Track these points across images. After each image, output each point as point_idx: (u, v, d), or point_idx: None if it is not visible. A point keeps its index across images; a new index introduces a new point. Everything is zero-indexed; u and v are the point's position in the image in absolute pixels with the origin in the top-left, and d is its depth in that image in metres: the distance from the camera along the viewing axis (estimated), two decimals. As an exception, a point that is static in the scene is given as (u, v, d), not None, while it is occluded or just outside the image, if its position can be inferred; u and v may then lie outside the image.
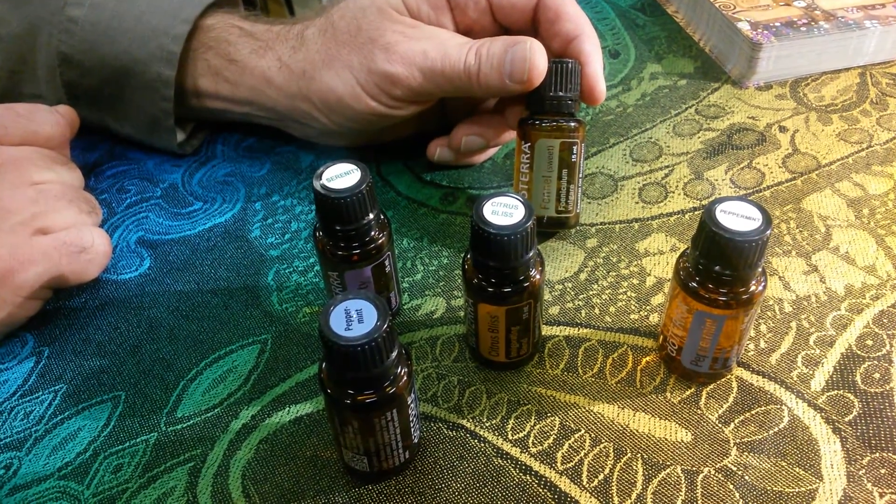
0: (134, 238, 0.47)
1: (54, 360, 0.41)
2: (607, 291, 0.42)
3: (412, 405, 0.33)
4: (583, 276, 0.43)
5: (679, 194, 0.47)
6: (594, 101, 0.43)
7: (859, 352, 0.38)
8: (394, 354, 0.30)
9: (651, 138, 0.51)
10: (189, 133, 0.53)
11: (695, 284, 0.34)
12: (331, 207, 0.35)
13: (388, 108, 0.44)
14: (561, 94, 0.42)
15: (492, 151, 0.51)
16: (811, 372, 0.37)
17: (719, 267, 0.33)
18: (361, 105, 0.44)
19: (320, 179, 0.35)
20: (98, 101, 0.51)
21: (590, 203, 0.47)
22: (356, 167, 0.36)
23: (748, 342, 0.39)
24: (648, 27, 0.62)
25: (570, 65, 0.42)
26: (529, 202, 0.34)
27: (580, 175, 0.43)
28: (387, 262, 0.38)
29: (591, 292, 0.42)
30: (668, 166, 0.49)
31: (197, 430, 0.37)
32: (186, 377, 0.39)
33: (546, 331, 0.40)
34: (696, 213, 0.46)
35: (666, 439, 0.35)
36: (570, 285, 0.42)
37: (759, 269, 0.33)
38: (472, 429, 0.36)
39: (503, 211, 0.33)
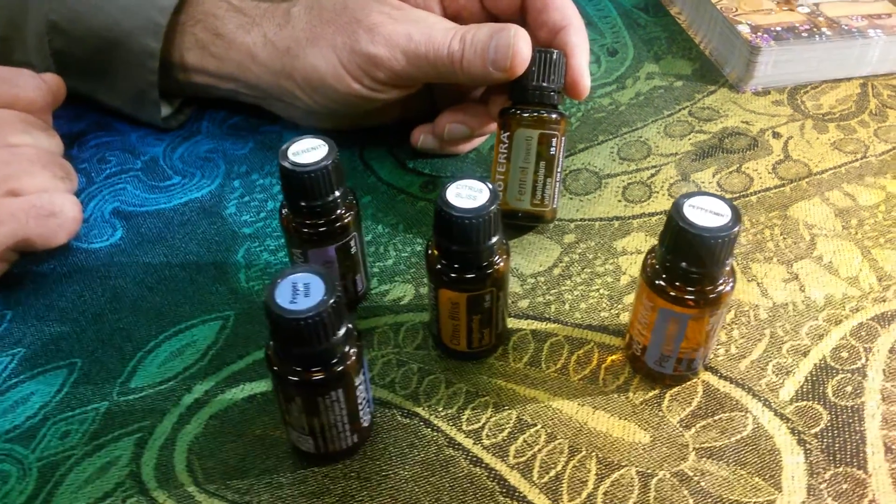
0: (109, 208, 0.47)
1: (15, 324, 0.40)
2: (580, 288, 0.41)
3: (361, 387, 0.32)
4: (556, 271, 0.42)
5: (663, 195, 0.46)
6: (578, 95, 0.42)
7: (833, 363, 0.37)
8: (341, 332, 0.29)
9: (641, 137, 0.50)
10: (176, 108, 0.53)
11: (661, 282, 0.33)
12: (295, 181, 0.34)
13: (370, 91, 0.43)
14: (544, 84, 0.41)
15: (477, 142, 0.50)
16: (781, 381, 0.36)
17: (685, 264, 0.32)
18: (343, 86, 0.43)
19: (286, 153, 0.35)
20: (86, 72, 0.50)
21: (571, 199, 0.46)
22: (324, 143, 0.35)
23: (718, 347, 0.38)
24: (650, 27, 0.61)
25: (554, 55, 0.41)
26: (496, 187, 0.33)
27: (559, 169, 0.42)
28: (352, 244, 0.37)
29: (563, 287, 0.41)
30: (655, 166, 0.48)
31: (149, 401, 0.36)
32: (144, 348, 0.39)
33: (513, 324, 0.39)
34: (678, 214, 0.45)
35: (623, 439, 0.34)
36: (542, 279, 0.42)
37: (727, 269, 0.32)
38: (427, 417, 0.36)
39: (467, 194, 0.33)
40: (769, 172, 0.47)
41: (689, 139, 0.50)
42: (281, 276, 0.29)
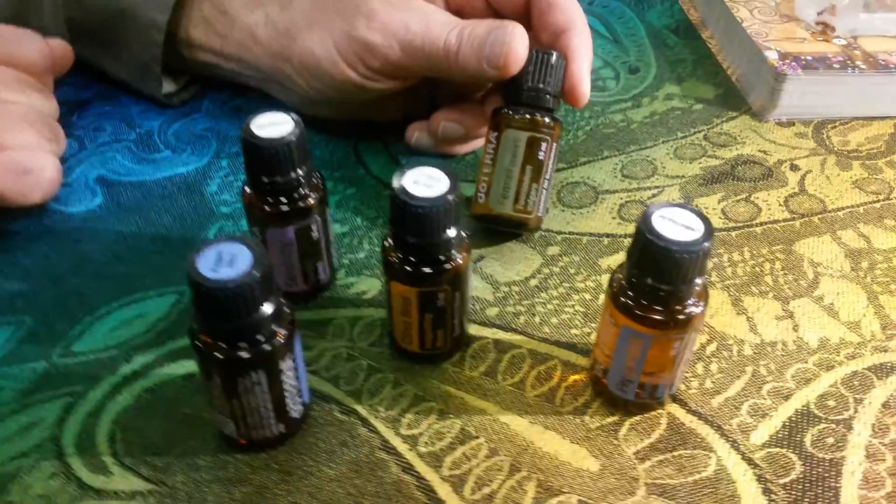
0: (94, 175, 0.46)
1: (-24, 277, 0.40)
2: (554, 301, 0.38)
3: (290, 373, 0.30)
4: (533, 283, 0.40)
5: (662, 216, 0.43)
6: (575, 101, 0.40)
7: (817, 411, 0.33)
8: (267, 309, 0.28)
9: (648, 157, 0.48)
10: (182, 86, 0.52)
11: (624, 299, 0.30)
12: (254, 155, 0.33)
13: (363, 79, 0.42)
14: (539, 86, 0.39)
15: (474, 144, 0.48)
16: (755, 423, 0.33)
17: (651, 280, 0.29)
18: (337, 71, 0.42)
19: (249, 125, 0.33)
20: (96, 42, 0.51)
21: (563, 211, 0.44)
22: (291, 119, 0.34)
23: (691, 378, 0.35)
24: (678, 49, 0.58)
25: (553, 57, 0.39)
26: (455, 176, 0.31)
27: (547, 176, 0.40)
28: (314, 228, 0.36)
29: (536, 300, 0.39)
30: (657, 187, 0.45)
31: (87, 367, 0.35)
32: (95, 314, 0.38)
33: (477, 331, 0.37)
34: (674, 237, 0.42)
35: (569, 464, 0.32)
36: (516, 289, 0.39)
37: (697, 289, 0.29)
38: (365, 416, 0.33)
39: (425, 182, 0.31)
40: (780, 205, 0.44)
41: (700, 163, 0.47)
42: (207, 244, 0.28)
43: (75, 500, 0.30)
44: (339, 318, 0.38)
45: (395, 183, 0.30)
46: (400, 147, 0.48)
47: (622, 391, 0.33)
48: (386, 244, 0.33)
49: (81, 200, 0.44)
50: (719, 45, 0.58)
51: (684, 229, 0.28)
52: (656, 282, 0.29)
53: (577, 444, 0.32)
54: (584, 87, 0.40)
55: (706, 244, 0.28)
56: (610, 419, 0.33)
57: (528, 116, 0.39)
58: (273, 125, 0.33)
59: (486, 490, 0.31)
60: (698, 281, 0.29)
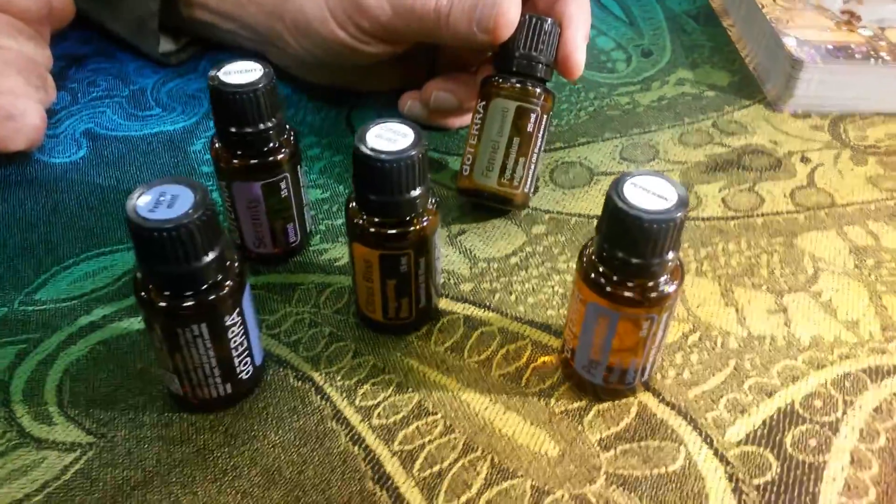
0: (82, 128, 0.45)
1: (-50, 221, 0.39)
2: (533, 281, 0.37)
3: (237, 330, 0.29)
4: (513, 260, 0.38)
5: (658, 201, 0.41)
6: (569, 72, 0.38)
7: (801, 411, 0.31)
8: (209, 257, 0.26)
9: (651, 140, 0.46)
10: (181, 47, 0.52)
11: (593, 274, 0.28)
12: (220, 103, 0.32)
13: (354, 41, 0.41)
14: (532, 53, 0.37)
15: (468, 118, 0.46)
16: (732, 418, 0.31)
17: (620, 252, 0.27)
18: (327, 31, 0.41)
19: (217, 72, 0.32)
20: (97, -4, 0.50)
21: (554, 190, 0.42)
22: (261, 67, 0.32)
23: (668, 367, 0.33)
24: (696, 35, 0.56)
25: (546, 24, 0.37)
26: (421, 133, 0.29)
27: (536, 151, 0.38)
28: (284, 185, 0.34)
29: (515, 278, 0.37)
30: (657, 171, 0.43)
31: (46, 316, 0.34)
32: (62, 264, 0.37)
33: (448, 305, 0.35)
34: (668, 223, 0.40)
35: (527, 448, 0.30)
36: (495, 265, 0.37)
37: (670, 265, 0.27)
38: (320, 384, 0.32)
39: (389, 136, 0.29)
40: (785, 196, 0.42)
41: (705, 150, 0.45)
42: (150, 185, 0.26)
43: (14, 447, 0.30)
44: (307, 283, 0.36)
45: (357, 136, 0.29)
46: (393, 117, 0.47)
47: (590, 374, 0.31)
48: (350, 205, 0.31)
49: (65, 152, 0.44)
50: (739, 32, 0.55)
51: (657, 199, 0.26)
52: (625, 255, 0.27)
53: (539, 427, 0.30)
54: (577, 55, 0.38)
55: (679, 214, 0.26)
56: (576, 404, 0.31)
57: (518, 85, 0.37)
58: (242, 73, 0.32)
59: (437, 468, 0.29)
60: (670, 256, 0.27)
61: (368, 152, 0.28)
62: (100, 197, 0.41)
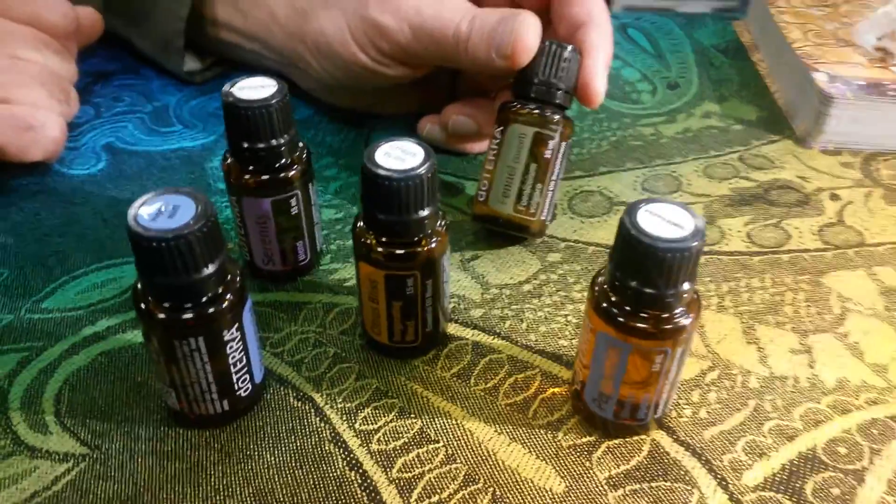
0: (103, 142, 0.46)
1: (-34, 228, 0.40)
2: (546, 309, 0.36)
3: (237, 346, 0.28)
4: (527, 288, 0.37)
5: (679, 234, 0.40)
6: (588, 100, 0.38)
7: (825, 457, 0.29)
8: (208, 269, 0.26)
9: (674, 172, 0.45)
10: (206, 66, 0.52)
11: (605, 303, 0.27)
12: (232, 117, 0.32)
13: (374, 63, 0.41)
14: (551, 80, 0.37)
15: (487, 144, 0.46)
16: (750, 462, 0.29)
17: (633, 281, 0.26)
18: (348, 53, 0.41)
19: (231, 87, 0.32)
20: (126, 14, 0.51)
21: (572, 218, 0.41)
22: (275, 83, 0.32)
23: (684, 405, 0.31)
24: (724, 69, 0.55)
25: (567, 51, 0.37)
26: (431, 152, 0.29)
27: (554, 178, 0.37)
28: (294, 203, 0.34)
29: (527, 305, 0.36)
30: (679, 204, 0.42)
31: (51, 324, 0.34)
32: (72, 274, 0.37)
33: (457, 331, 0.34)
34: (689, 256, 0.39)
35: (531, 482, 0.28)
36: (507, 292, 0.36)
37: (685, 296, 0.26)
38: (321, 405, 0.31)
39: (398, 155, 0.29)
40: (813, 234, 0.40)
41: (730, 183, 0.44)
42: (153, 194, 0.26)
43: (7, 455, 0.29)
44: (315, 303, 0.36)
45: (366, 154, 0.28)
46: (413, 139, 0.46)
47: (600, 408, 0.29)
48: (358, 224, 0.30)
49: (84, 164, 0.44)
50: (769, 67, 0.54)
51: (673, 227, 0.25)
52: (638, 284, 0.26)
53: (545, 461, 0.29)
54: (597, 83, 0.37)
55: (695, 244, 0.25)
56: (585, 439, 0.30)
57: (536, 111, 0.37)
58: (256, 88, 0.32)
59: (436, 498, 0.28)
60: (686, 287, 0.26)
61: (376, 170, 0.28)
62: (115, 210, 0.41)
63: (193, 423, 0.30)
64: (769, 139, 0.48)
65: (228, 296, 0.27)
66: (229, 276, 0.27)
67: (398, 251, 0.29)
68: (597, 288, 0.28)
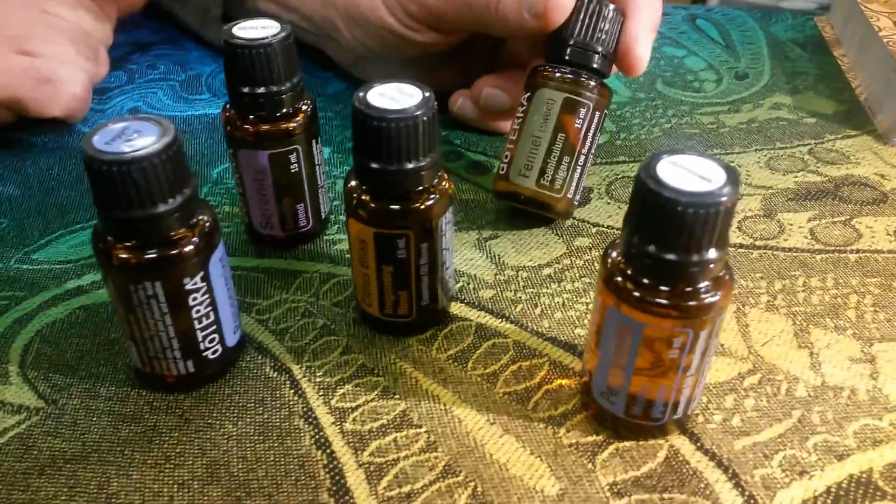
0: (130, 105, 0.45)
1: (-21, 178, 0.39)
2: (565, 295, 0.32)
3: (202, 299, 0.25)
4: (547, 271, 0.33)
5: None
6: (629, 67, 0.34)
7: (882, 483, 0.24)
8: (167, 204, 0.23)
9: (732, 162, 0.40)
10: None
11: (620, 278, 0.23)
12: (229, 58, 0.29)
13: (403, 27, 0.38)
14: (587, 41, 0.33)
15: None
16: (787, 480, 0.24)
17: (650, 245, 0.22)
18: (376, 17, 0.38)
19: (233, 26, 0.30)
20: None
21: (609, 203, 0.37)
22: (279, 25, 0.30)
23: (713, 409, 0.26)
24: (801, 62, 0.50)
25: (607, 9, 0.33)
26: (432, 95, 0.25)
27: (585, 152, 0.33)
28: (294, 159, 0.31)
29: (544, 290, 0.32)
30: (734, 195, 0.37)
31: (37, 275, 0.32)
32: (69, 228, 0.35)
33: (462, 311, 0.31)
34: (739, 250, 0.34)
35: (521, 480, 0.24)
36: (524, 274, 0.33)
37: (712, 266, 0.22)
38: (298, 377, 0.28)
39: (393, 95, 0.25)
40: (888, 234, 0.35)
41: (795, 177, 0.39)
42: (117, 119, 0.24)
43: (-38, 404, 0.27)
44: (312, 272, 0.33)
45: (357, 93, 0.25)
46: (444, 119, 0.43)
47: (609, 402, 0.25)
48: (351, 179, 0.27)
49: (106, 125, 0.43)
50: (852, 62, 0.49)
51: (699, 180, 0.21)
52: (655, 249, 0.22)
53: (540, 458, 0.25)
54: (639, 48, 0.33)
55: (725, 198, 0.21)
56: (590, 438, 0.26)
57: (569, 75, 0.33)
58: (258, 28, 0.30)
59: (407, 488, 0.24)
60: (713, 255, 0.22)
61: (366, 110, 0.25)
62: (126, 169, 0.39)
63: (156, 385, 0.27)
64: (845, 134, 0.42)
65: (194, 239, 0.24)
66: (198, 219, 0.25)
67: (389, 206, 0.26)
68: (609, 260, 0.24)
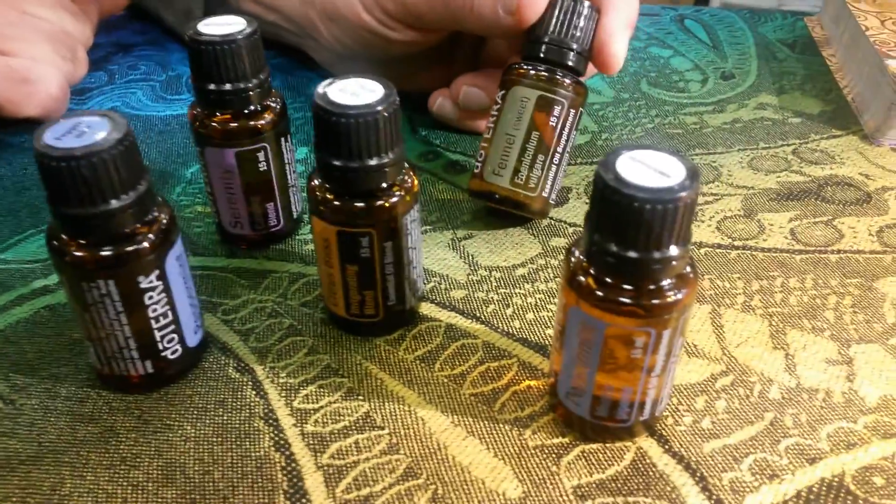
0: (108, 106, 0.44)
1: (-47, 179, 0.38)
2: (538, 296, 0.31)
3: (159, 297, 0.25)
4: (521, 272, 0.32)
5: (709, 226, 0.35)
6: (605, 65, 0.33)
7: (854, 487, 0.24)
8: (119, 200, 0.23)
9: (714, 162, 0.39)
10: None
11: (581, 277, 0.23)
12: (194, 56, 0.29)
13: (380, 25, 0.38)
14: (562, 38, 0.33)
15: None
16: (757, 484, 0.24)
17: (609, 242, 0.21)
18: (353, 14, 0.38)
19: (199, 23, 0.29)
20: (155, -15, 0.50)
21: (587, 203, 0.36)
22: (245, 22, 0.29)
23: (683, 412, 0.26)
24: (789, 62, 0.49)
25: (582, 6, 0.32)
26: (393, 89, 0.25)
27: (560, 150, 0.33)
28: (262, 157, 0.31)
29: (517, 290, 0.31)
30: (715, 194, 0.37)
31: (4, 275, 0.32)
32: (39, 227, 0.35)
33: (432, 312, 0.30)
34: (715, 250, 0.33)
35: (482, 483, 0.24)
36: (497, 275, 0.32)
37: (676, 266, 0.21)
38: (260, 378, 0.27)
39: (354, 90, 0.25)
40: (870, 234, 0.34)
41: (778, 177, 0.38)
42: (70, 114, 0.23)
43: (-80, 405, 0.27)
44: (282, 272, 0.32)
45: (317, 89, 0.25)
46: (425, 119, 0.43)
47: (575, 404, 0.25)
48: (314, 176, 0.27)
49: (84, 126, 0.43)
50: (840, 62, 0.48)
51: (659, 175, 0.21)
52: (614, 246, 0.21)
53: (503, 460, 0.24)
54: (615, 45, 0.33)
55: (685, 194, 0.20)
56: (556, 440, 0.25)
57: (543, 73, 0.33)
58: (223, 25, 0.29)
59: (366, 491, 0.24)
60: (674, 252, 0.21)
61: (325, 105, 0.24)
62: (101, 169, 0.39)
63: (115, 385, 0.27)
64: (831, 134, 0.42)
65: (150, 236, 0.24)
66: (153, 216, 0.24)
67: (351, 204, 0.26)
68: (572, 259, 0.23)
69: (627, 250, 0.21)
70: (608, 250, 0.21)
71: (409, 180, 0.27)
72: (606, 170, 0.21)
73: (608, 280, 0.22)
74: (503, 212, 0.34)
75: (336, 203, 0.26)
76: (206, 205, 0.36)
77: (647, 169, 0.21)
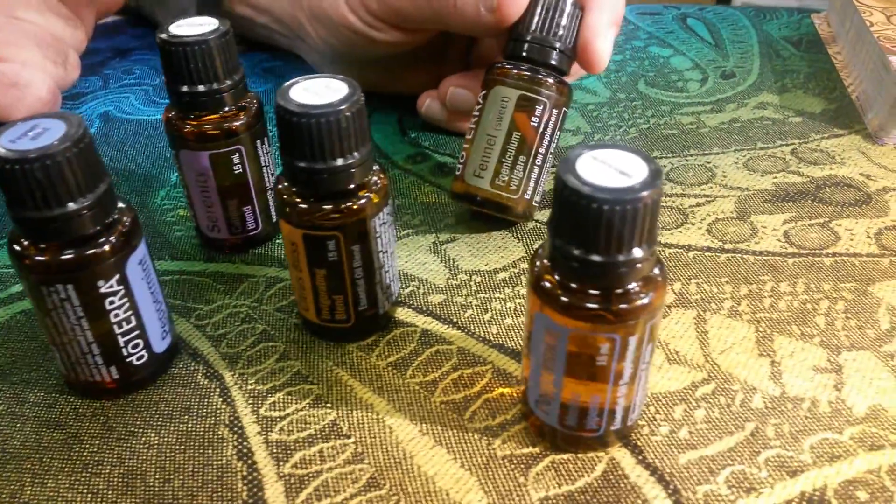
0: (101, 110, 0.44)
1: (-57, 184, 0.39)
2: (518, 300, 0.30)
3: (121, 302, 0.24)
4: (501, 276, 0.32)
5: (699, 228, 0.34)
6: (589, 64, 0.32)
7: (836, 501, 0.22)
8: (76, 203, 0.22)
9: (708, 163, 0.38)
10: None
11: (546, 282, 0.22)
12: (165, 56, 0.29)
13: (364, 25, 0.37)
14: (546, 38, 0.32)
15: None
16: (733, 497, 0.23)
17: (570, 246, 0.21)
18: (338, 15, 0.38)
19: (170, 25, 0.29)
20: (151, -11, 0.50)
21: (574, 206, 0.35)
22: (217, 22, 0.29)
23: (660, 421, 0.25)
24: (792, 60, 0.48)
25: (565, 3, 0.32)
26: (358, 88, 0.24)
27: (542, 152, 0.32)
28: (237, 159, 0.30)
29: (497, 294, 0.30)
30: (707, 196, 0.36)
31: (-17, 280, 0.32)
32: (22, 232, 0.35)
33: (408, 317, 0.30)
34: (705, 253, 0.32)
35: (446, 494, 0.23)
36: (477, 279, 0.31)
37: (640, 269, 0.20)
38: (228, 385, 0.27)
39: (318, 90, 0.24)
40: (868, 237, 0.33)
41: (774, 178, 0.37)
42: (27, 118, 0.23)
43: None
44: (259, 276, 0.32)
45: (281, 90, 0.24)
46: (414, 120, 0.42)
47: (544, 412, 0.24)
48: (281, 179, 0.26)
49: (74, 130, 0.43)
50: (846, 59, 0.47)
51: (620, 175, 0.20)
52: (576, 249, 0.20)
53: (469, 471, 0.24)
54: (599, 43, 0.32)
55: (646, 194, 0.19)
56: (526, 450, 0.24)
57: (525, 72, 0.32)
58: (195, 26, 0.29)
59: (326, 501, 0.23)
60: (638, 254, 0.20)
61: (287, 106, 0.24)
62: (88, 173, 0.39)
63: (82, 391, 0.27)
64: (833, 133, 0.40)
65: (111, 239, 0.24)
66: (113, 219, 0.24)
67: (316, 206, 0.25)
68: (537, 263, 0.22)
69: (589, 254, 0.20)
70: (570, 254, 0.21)
71: (379, 181, 0.26)
72: (566, 170, 0.20)
73: (572, 285, 0.21)
74: (488, 215, 0.34)
75: (302, 206, 0.25)
76: (188, 208, 0.36)
77: (608, 169, 0.20)
